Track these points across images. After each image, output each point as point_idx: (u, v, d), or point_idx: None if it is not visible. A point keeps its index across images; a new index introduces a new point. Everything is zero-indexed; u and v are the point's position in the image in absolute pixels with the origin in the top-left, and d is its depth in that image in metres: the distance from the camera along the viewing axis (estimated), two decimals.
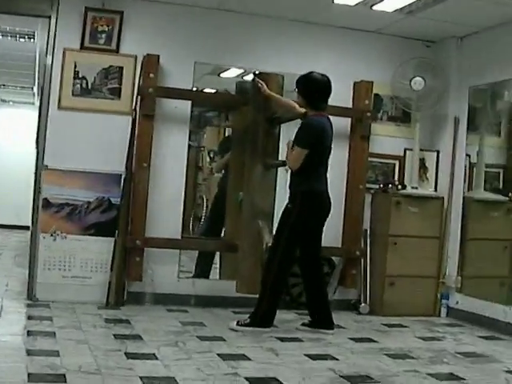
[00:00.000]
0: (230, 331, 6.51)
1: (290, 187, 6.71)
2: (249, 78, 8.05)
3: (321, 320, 6.75)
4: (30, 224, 13.47)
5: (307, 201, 6.55)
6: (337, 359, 5.81)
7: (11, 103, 16.41)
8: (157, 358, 5.38)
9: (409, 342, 6.61)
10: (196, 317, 7.07)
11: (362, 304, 7.80)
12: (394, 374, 5.46)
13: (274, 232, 6.79)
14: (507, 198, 7.77)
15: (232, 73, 8.24)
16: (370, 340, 6.60)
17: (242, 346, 6.03)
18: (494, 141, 8.11)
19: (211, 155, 9.00)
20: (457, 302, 7.80)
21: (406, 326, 7.34)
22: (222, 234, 8.28)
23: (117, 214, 7.27)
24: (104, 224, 7.29)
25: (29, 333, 5.89)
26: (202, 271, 8.09)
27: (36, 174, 7.55)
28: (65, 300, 7.14)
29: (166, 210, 7.45)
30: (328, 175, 6.71)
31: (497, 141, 8.13)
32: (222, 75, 8.26)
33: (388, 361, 5.85)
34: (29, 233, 13.57)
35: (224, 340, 6.19)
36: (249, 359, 5.60)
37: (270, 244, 6.78)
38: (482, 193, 7.87)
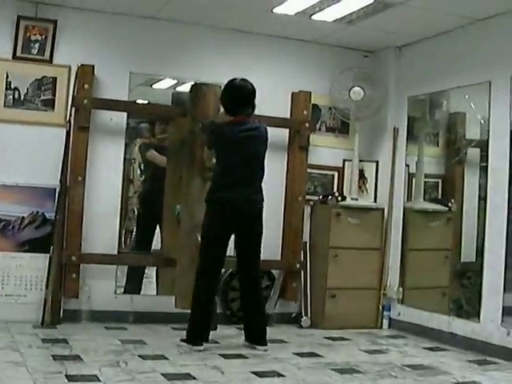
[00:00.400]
0: (172, 349, 6.24)
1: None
2: (183, 88, 7.87)
3: (251, 334, 6.52)
4: None
5: (209, 210, 6.35)
6: (283, 375, 5.63)
7: None
8: (99, 380, 5.12)
9: (354, 356, 6.48)
10: (135, 334, 6.81)
11: (303, 317, 7.63)
12: None
13: None
14: (446, 208, 7.72)
15: (165, 84, 8.01)
16: (315, 354, 6.44)
17: (185, 364, 5.79)
18: (432, 151, 8.04)
19: (142, 167, 8.79)
20: (399, 314, 7.70)
21: (348, 339, 7.19)
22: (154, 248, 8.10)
23: (51, 230, 6.98)
24: (38, 240, 6.99)
25: None
26: (133, 287, 7.74)
27: None
28: None
29: (101, 225, 7.19)
30: (262, 184, 6.37)
31: (435, 151, 8.06)
32: (154, 86, 8.00)
33: (336, 376, 5.70)
34: None
35: (166, 358, 5.95)
36: (194, 378, 5.38)
37: None
38: (422, 203, 7.80)
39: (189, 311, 6.56)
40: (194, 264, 6.70)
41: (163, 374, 5.43)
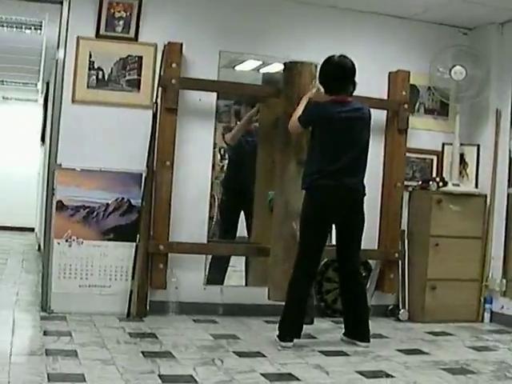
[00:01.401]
0: (268, 345, 5.54)
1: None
2: (267, 69, 7.21)
3: (352, 329, 5.78)
4: (33, 226, 12.79)
5: (309, 198, 5.62)
6: (393, 376, 4.92)
7: (13, 100, 14.96)
8: (195, 381, 4.49)
9: (462, 353, 5.71)
10: (227, 328, 6.14)
11: (401, 310, 6.84)
12: None
13: None
14: None
15: (248, 65, 7.28)
16: (420, 352, 5.69)
17: (285, 363, 5.10)
18: None
19: (222, 152, 8.12)
20: (502, 307, 6.88)
21: (451, 334, 6.42)
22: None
23: (138, 217, 6.29)
24: (124, 228, 6.30)
25: (47, 352, 4.92)
26: (216, 278, 6.96)
27: (48, 173, 6.54)
28: (82, 311, 6.16)
29: (190, 212, 6.48)
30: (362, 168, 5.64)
31: None
32: (237, 68, 7.27)
33: (448, 377, 4.98)
34: (32, 235, 12.90)
35: (264, 356, 5.25)
36: (298, 379, 4.70)
37: None
38: None
39: (283, 303, 5.87)
40: (288, 254, 6.02)
41: (263, 374, 4.76)
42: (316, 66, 6.21)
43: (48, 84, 11.47)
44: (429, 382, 4.89)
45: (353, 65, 5.67)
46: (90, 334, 5.57)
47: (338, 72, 5.65)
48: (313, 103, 5.79)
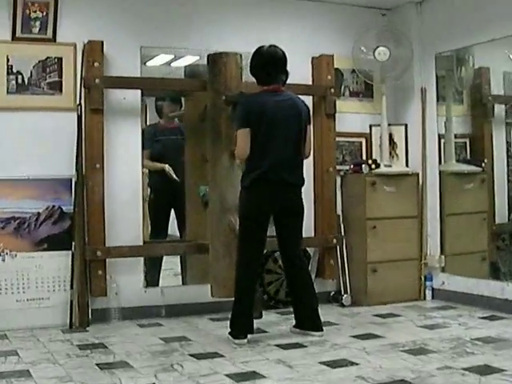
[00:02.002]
0: (222, 344, 5.30)
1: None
2: (178, 63, 6.98)
3: (304, 320, 5.58)
4: None
5: (247, 194, 5.37)
6: (357, 364, 4.77)
7: None
8: None
9: (415, 333, 5.61)
10: (175, 330, 5.86)
11: (344, 295, 6.68)
12: (429, 375, 4.49)
13: None
14: (480, 169, 6.90)
15: (158, 60, 6.97)
16: (374, 336, 5.56)
17: (245, 360, 4.87)
18: (458, 110, 7.14)
19: None
20: (442, 283, 6.81)
21: (398, 315, 6.30)
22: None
23: (71, 224, 5.94)
24: (58, 236, 5.95)
25: None
26: (153, 279, 6.70)
27: None
28: (22, 327, 5.79)
29: (124, 214, 6.16)
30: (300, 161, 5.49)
31: (461, 109, 7.19)
32: (148, 64, 6.79)
33: (411, 358, 4.85)
34: None
35: (222, 356, 5.01)
36: (263, 377, 4.47)
37: None
38: (456, 165, 6.96)
39: (226, 299, 5.72)
40: (228, 249, 5.81)
41: (228, 375, 4.53)
42: (241, 56, 6.00)
43: None
44: (394, 365, 4.71)
45: (283, 54, 5.47)
46: (37, 351, 5.19)
47: (269, 62, 5.40)
48: (240, 103, 5.49)
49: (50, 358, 4.97)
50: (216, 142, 5.92)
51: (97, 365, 4.80)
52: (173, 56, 7.08)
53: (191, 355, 5.05)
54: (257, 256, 5.55)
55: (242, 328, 5.40)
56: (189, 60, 7.07)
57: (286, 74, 5.49)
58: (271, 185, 5.36)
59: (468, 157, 7.16)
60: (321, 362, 4.81)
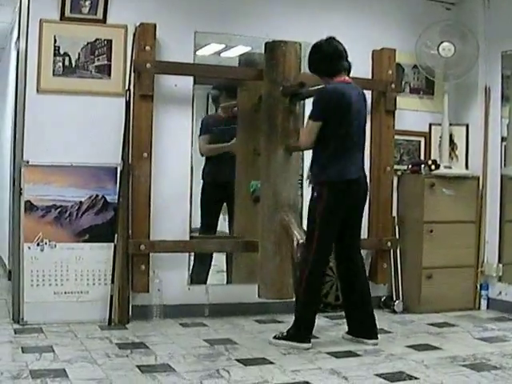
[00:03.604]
0: (270, 349, 4.76)
1: (311, 173, 4.99)
2: (229, 53, 6.43)
3: (358, 327, 5.04)
4: None
5: (331, 194, 4.77)
6: (416, 378, 4.22)
7: None
8: None
9: (474, 346, 5.02)
10: (219, 332, 5.31)
11: (397, 301, 6.08)
12: None
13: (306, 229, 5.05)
14: None
15: (208, 50, 6.36)
16: (431, 347, 4.98)
17: (297, 369, 4.33)
18: None
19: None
20: (499, 293, 6.18)
21: (454, 325, 5.71)
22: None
23: (114, 215, 5.41)
24: (100, 227, 5.42)
25: (33, 373, 4.04)
26: (200, 276, 6.09)
27: (14, 171, 5.56)
28: (59, 321, 5.27)
29: (171, 207, 5.61)
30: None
31: None
32: (197, 53, 6.00)
33: (474, 375, 4.29)
34: None
35: (271, 362, 4.47)
36: None
37: (302, 241, 5.05)
38: None
39: (272, 301, 5.28)
40: (280, 248, 5.28)
41: None
42: (300, 45, 5.46)
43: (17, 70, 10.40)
44: (456, 382, 4.14)
45: (342, 45, 4.93)
46: (73, 348, 4.67)
47: (335, 53, 4.86)
48: (319, 91, 4.90)
49: (88, 357, 4.45)
50: (271, 135, 5.36)
51: (137, 367, 4.28)
52: (224, 46, 6.49)
53: (238, 360, 4.52)
54: (328, 256, 5.06)
55: (309, 332, 4.89)
56: (240, 50, 6.51)
57: (349, 64, 4.95)
58: (351, 182, 4.83)
59: None
60: (377, 374, 4.27)
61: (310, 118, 4.88)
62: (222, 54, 6.66)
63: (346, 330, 5.17)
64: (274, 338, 4.95)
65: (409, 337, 5.34)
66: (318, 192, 4.83)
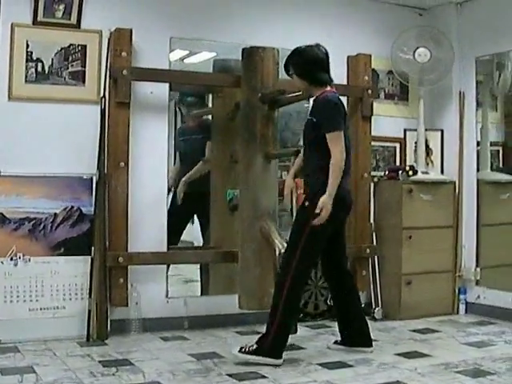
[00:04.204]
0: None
1: (307, 181, 4.66)
2: (192, 60, 6.19)
3: (355, 336, 4.80)
4: None
5: (334, 202, 4.44)
6: None
7: None
8: None
9: (463, 352, 4.87)
10: (202, 345, 4.99)
11: (376, 308, 5.87)
12: None
13: (288, 237, 4.67)
14: None
15: (171, 56, 5.69)
16: (421, 354, 4.80)
17: (292, 382, 4.08)
18: (492, 116, 6.35)
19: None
20: (478, 297, 6.02)
21: (437, 331, 5.53)
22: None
23: (90, 227, 5.06)
24: (76, 240, 5.05)
25: None
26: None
27: None
28: (35, 339, 4.88)
29: (148, 218, 5.27)
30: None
31: (494, 116, 6.41)
32: None
33: (470, 381, 4.16)
34: None
35: (264, 376, 4.21)
36: None
37: (283, 250, 4.80)
38: (493, 174, 6.17)
39: (252, 311, 5.03)
40: (260, 257, 5.01)
41: None
42: (278, 51, 5.20)
43: None
44: None
45: None
46: (55, 368, 4.32)
47: (326, 61, 4.62)
48: (333, 103, 4.52)
49: (73, 377, 4.12)
50: (250, 143, 5.12)
51: None
52: (187, 52, 6.20)
53: (230, 375, 4.24)
54: (312, 268, 4.88)
55: (284, 347, 4.53)
56: (204, 56, 6.26)
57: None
58: (347, 194, 4.60)
59: (500, 165, 6.42)
60: None
61: (333, 129, 4.43)
62: (185, 60, 6.38)
63: (337, 340, 4.89)
64: (241, 351, 4.52)
65: (396, 344, 5.14)
66: (312, 201, 4.47)
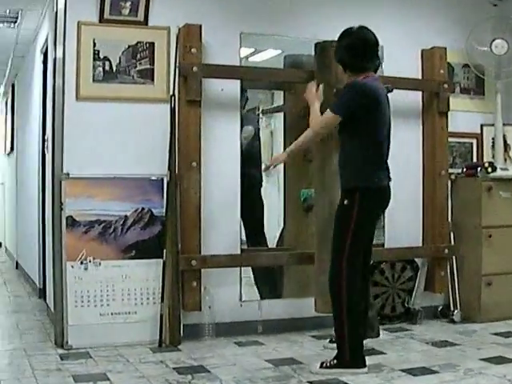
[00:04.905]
0: None
1: (342, 177, 4.25)
2: (258, 57, 5.82)
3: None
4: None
5: (368, 199, 4.10)
6: None
7: None
8: None
9: None
10: (278, 350, 4.68)
11: (455, 311, 5.48)
12: None
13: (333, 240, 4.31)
14: None
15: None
16: (507, 359, 4.39)
17: None
18: None
19: None
20: None
21: None
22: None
23: (162, 229, 4.79)
24: (147, 243, 4.79)
25: None
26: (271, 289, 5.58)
27: (53, 185, 4.82)
28: (106, 344, 4.64)
29: (221, 220, 4.99)
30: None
31: None
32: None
33: None
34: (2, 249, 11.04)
35: (345, 382, 3.90)
36: None
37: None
38: None
39: (327, 315, 4.60)
40: None
41: None
42: None
43: (13, 86, 9.76)
44: None
45: (375, 36, 4.26)
46: (129, 375, 4.07)
47: (367, 45, 4.18)
48: (349, 85, 4.16)
49: None
50: (325, 141, 4.68)
51: None
52: (252, 50, 5.82)
53: (310, 382, 3.93)
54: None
55: (363, 357, 4.17)
56: (269, 54, 5.91)
57: (379, 59, 4.36)
58: (384, 189, 4.20)
59: None
60: None
61: (330, 108, 4.14)
62: (249, 59, 6.04)
63: (332, 338, 4.52)
64: (323, 367, 4.15)
65: (479, 348, 4.75)
66: (351, 198, 4.10)
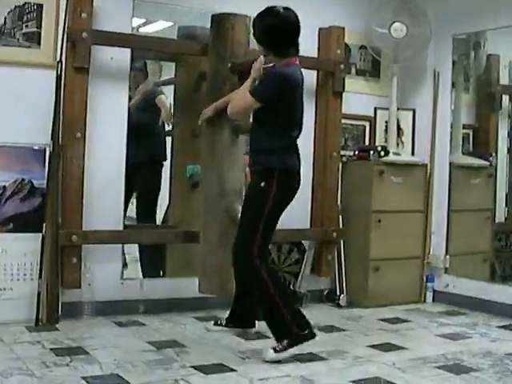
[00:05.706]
0: (224, 353, 4.12)
1: (254, 158, 4.23)
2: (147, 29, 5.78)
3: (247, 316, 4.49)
4: None
5: (285, 181, 4.11)
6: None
7: None
8: None
9: (439, 345, 4.61)
10: (161, 331, 4.62)
11: (341, 295, 5.56)
12: None
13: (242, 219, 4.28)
14: (488, 163, 5.95)
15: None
16: (395, 346, 4.50)
17: (263, 377, 3.72)
18: (464, 98, 6.11)
19: None
20: (446, 285, 5.76)
21: (407, 320, 5.26)
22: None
23: (43, 202, 4.61)
24: (26, 216, 4.60)
25: None
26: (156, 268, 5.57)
27: None
28: None
29: (104, 194, 4.82)
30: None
31: (466, 98, 6.14)
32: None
33: (454, 378, 3.90)
34: None
35: (232, 369, 3.86)
36: None
37: None
38: (464, 157, 5.89)
39: (212, 296, 4.70)
40: (226, 240, 4.49)
41: None
42: (250, 19, 4.76)
43: None
44: None
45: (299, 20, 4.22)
46: (2, 356, 3.89)
47: (291, 28, 4.11)
48: (271, 72, 4.11)
49: (23, 368, 3.68)
50: (216, 115, 4.61)
51: (83, 378, 3.55)
52: (144, 20, 5.74)
53: (194, 367, 3.86)
54: None
55: (306, 320, 4.15)
56: (160, 25, 5.86)
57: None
58: (297, 173, 4.22)
59: (471, 149, 6.16)
60: (353, 381, 3.73)
61: (252, 92, 4.07)
62: (140, 30, 5.89)
63: (218, 321, 4.56)
64: (277, 351, 4.03)
65: (366, 335, 4.83)
66: (266, 179, 4.07)
